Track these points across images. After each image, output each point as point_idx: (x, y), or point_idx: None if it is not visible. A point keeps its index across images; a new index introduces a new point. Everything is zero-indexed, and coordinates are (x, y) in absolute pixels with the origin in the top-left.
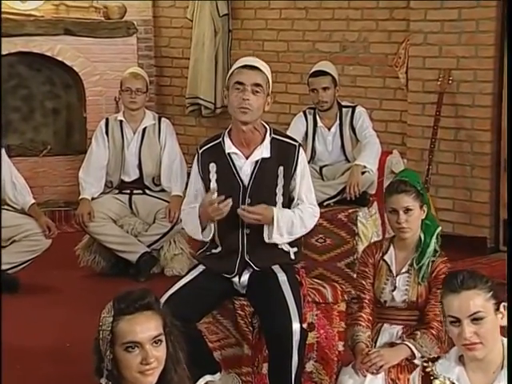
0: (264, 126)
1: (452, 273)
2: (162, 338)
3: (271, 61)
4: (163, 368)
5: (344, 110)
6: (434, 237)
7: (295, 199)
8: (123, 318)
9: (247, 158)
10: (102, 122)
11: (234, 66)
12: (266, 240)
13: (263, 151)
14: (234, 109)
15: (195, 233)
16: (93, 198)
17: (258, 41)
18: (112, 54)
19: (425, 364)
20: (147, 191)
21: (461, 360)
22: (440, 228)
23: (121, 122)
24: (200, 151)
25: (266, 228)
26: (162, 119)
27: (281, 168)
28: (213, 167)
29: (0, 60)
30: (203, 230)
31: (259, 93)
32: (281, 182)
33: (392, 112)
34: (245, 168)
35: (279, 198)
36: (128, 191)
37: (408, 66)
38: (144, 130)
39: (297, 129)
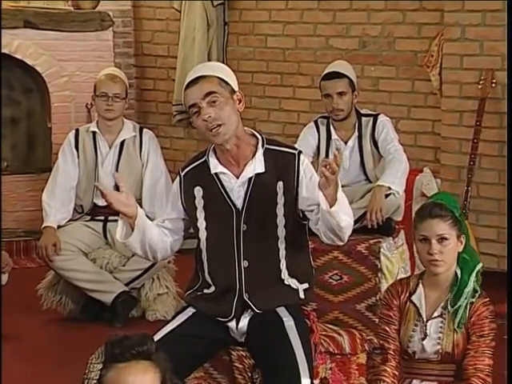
0: (254, 136)
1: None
2: None
3: (276, 60)
4: None
5: (364, 119)
6: (474, 274)
7: (313, 211)
8: (115, 366)
9: (238, 177)
10: (71, 134)
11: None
12: (328, 208)
13: (256, 166)
14: (205, 135)
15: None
16: (59, 226)
17: (260, 35)
18: (83, 51)
19: None
20: None
21: None
22: (481, 264)
23: (94, 133)
24: (182, 174)
25: (323, 196)
26: (144, 130)
27: (280, 183)
28: (198, 191)
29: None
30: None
31: (217, 100)
32: (281, 199)
33: (422, 122)
34: (236, 189)
35: (281, 220)
36: (102, 218)
37: (442, 67)
38: (122, 143)
39: (307, 142)
